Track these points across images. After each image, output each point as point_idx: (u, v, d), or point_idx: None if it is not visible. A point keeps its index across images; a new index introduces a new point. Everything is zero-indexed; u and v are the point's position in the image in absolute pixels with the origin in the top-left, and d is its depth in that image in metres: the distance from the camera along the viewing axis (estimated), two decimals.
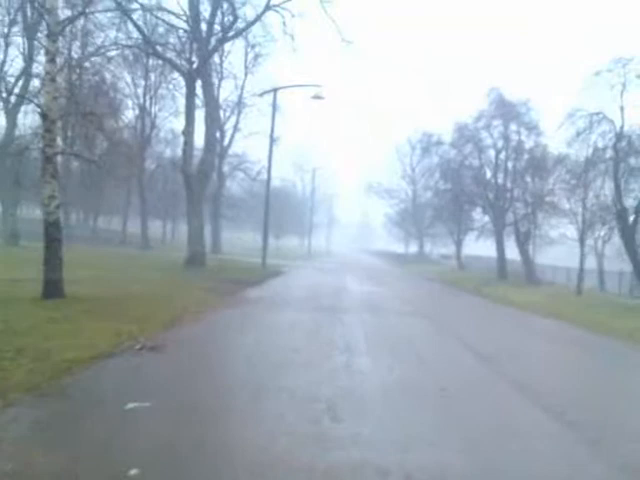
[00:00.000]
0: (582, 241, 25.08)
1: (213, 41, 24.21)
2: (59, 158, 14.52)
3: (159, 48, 24.45)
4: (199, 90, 24.66)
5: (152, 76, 42.21)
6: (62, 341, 6.98)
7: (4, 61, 27.67)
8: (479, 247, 50.11)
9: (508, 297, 21.37)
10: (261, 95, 30.63)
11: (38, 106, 12.59)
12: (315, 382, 6.13)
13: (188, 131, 22.64)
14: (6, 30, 27.17)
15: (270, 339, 8.99)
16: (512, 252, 34.45)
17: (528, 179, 31.74)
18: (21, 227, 26.91)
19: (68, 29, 21.95)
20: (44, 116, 10.81)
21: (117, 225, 48.92)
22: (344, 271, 33.37)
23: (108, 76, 28.88)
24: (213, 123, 24.44)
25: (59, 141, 19.56)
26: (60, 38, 15.41)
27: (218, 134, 47.66)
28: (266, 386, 5.81)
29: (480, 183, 32.74)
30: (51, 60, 10.82)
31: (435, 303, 19.77)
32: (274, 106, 29.18)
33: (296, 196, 78.27)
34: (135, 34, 23.83)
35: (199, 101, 26.55)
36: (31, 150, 18.68)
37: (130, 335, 7.85)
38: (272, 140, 28.83)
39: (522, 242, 27.98)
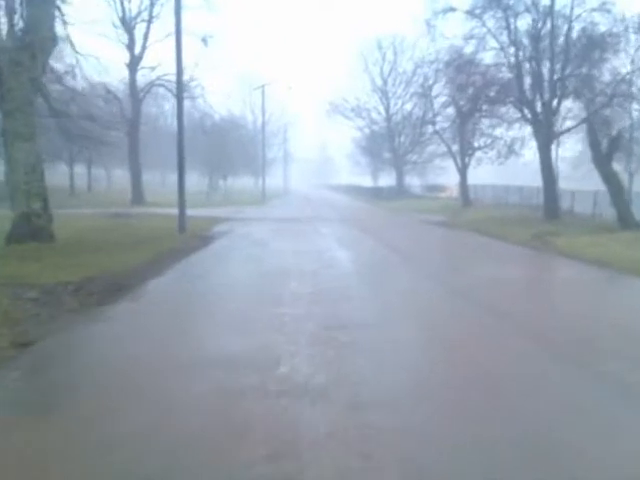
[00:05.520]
0: None
1: None
2: None
3: None
4: None
5: None
6: None
7: None
8: (475, 175, 39.35)
9: None
10: None
11: None
12: None
13: None
14: None
15: None
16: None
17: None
18: None
19: None
20: None
21: None
22: (316, 224, 21.65)
23: None
24: None
25: None
26: None
27: (127, 37, 34.24)
28: None
29: (512, 69, 21.10)
30: None
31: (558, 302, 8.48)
32: None
33: (247, 129, 64.58)
34: None
35: None
36: None
37: None
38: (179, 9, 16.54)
39: (607, 157, 16.76)
